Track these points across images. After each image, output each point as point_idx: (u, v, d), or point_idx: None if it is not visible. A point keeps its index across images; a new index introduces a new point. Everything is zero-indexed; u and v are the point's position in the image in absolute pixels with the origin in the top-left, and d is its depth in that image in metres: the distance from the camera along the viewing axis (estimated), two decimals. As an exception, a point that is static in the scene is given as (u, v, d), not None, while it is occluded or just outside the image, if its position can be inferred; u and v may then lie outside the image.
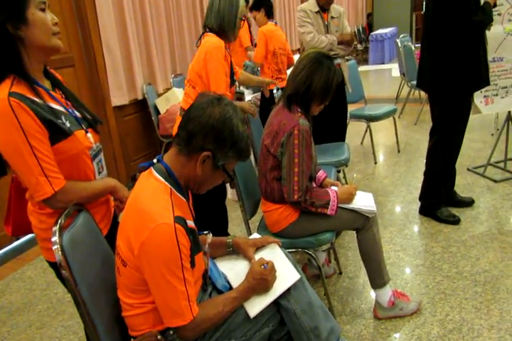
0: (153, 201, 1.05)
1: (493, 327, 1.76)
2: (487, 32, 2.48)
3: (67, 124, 1.11)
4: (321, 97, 1.70)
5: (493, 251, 2.28)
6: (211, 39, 1.99)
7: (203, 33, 2.07)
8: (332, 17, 2.92)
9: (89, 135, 1.18)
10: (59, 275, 1.04)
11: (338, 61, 2.92)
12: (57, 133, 1.08)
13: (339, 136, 3.20)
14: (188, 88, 2.07)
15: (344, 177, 3.13)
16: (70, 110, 1.16)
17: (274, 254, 1.34)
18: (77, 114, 1.19)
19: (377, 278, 1.82)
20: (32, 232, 1.23)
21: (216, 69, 1.93)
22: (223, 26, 1.99)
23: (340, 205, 1.74)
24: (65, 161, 1.12)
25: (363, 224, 1.78)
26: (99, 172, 1.24)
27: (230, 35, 2.02)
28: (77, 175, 1.16)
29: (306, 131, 1.66)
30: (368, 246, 1.81)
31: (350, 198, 1.77)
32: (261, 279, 1.19)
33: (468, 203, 2.79)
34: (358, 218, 1.77)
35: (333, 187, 1.85)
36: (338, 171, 2.87)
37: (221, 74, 1.94)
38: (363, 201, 1.80)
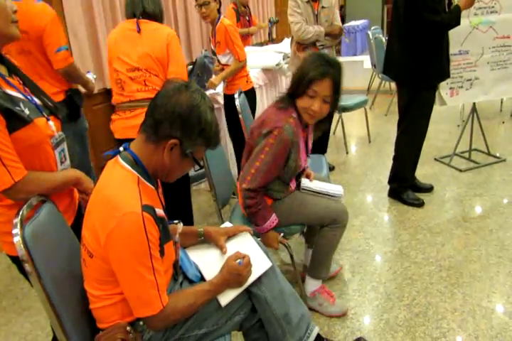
0: (119, 189, 1.02)
1: (457, 309, 1.84)
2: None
3: (26, 111, 1.06)
4: (297, 88, 1.62)
5: (457, 238, 2.37)
6: (161, 26, 1.98)
7: (138, 18, 1.94)
8: (323, 7, 2.96)
9: (50, 123, 1.13)
10: (21, 270, 1.00)
11: (325, 51, 2.98)
12: (15, 121, 1.02)
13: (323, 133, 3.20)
14: (151, 77, 1.95)
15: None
16: (29, 97, 1.11)
17: (246, 242, 1.34)
18: (37, 101, 1.13)
19: (318, 270, 1.85)
20: None
21: (179, 54, 1.95)
22: (161, 14, 2.00)
23: (308, 186, 1.79)
24: (26, 150, 1.07)
25: (331, 223, 1.78)
26: (62, 163, 1.19)
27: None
28: (39, 164, 1.12)
29: (285, 140, 1.60)
30: (327, 242, 1.81)
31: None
32: (236, 274, 1.18)
33: (428, 189, 2.91)
34: (328, 216, 1.77)
35: (303, 180, 1.86)
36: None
37: (183, 60, 1.97)
38: (332, 187, 1.84)
